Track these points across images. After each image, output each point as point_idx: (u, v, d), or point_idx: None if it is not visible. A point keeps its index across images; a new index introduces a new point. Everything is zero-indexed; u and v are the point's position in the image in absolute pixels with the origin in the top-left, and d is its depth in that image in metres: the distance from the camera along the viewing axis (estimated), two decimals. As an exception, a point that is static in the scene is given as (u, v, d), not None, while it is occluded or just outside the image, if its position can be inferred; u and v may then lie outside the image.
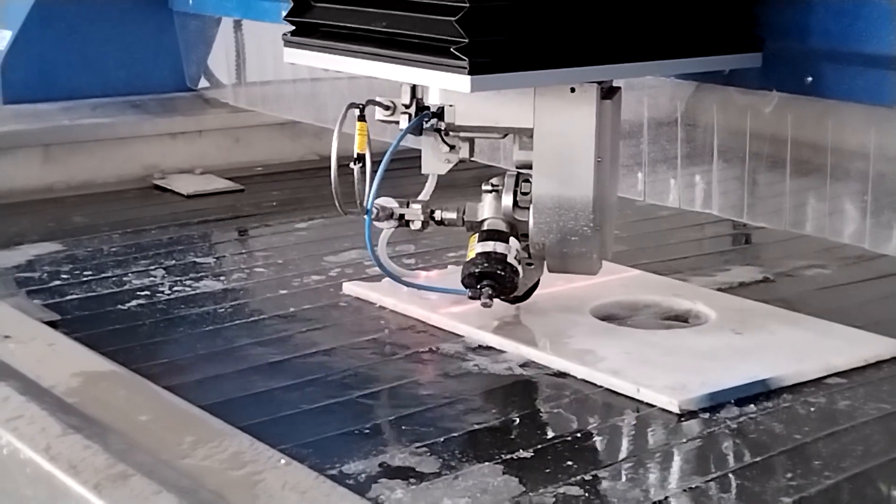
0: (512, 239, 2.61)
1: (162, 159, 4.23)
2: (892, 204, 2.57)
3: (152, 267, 3.26)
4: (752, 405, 2.36)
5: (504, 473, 2.06)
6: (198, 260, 3.33)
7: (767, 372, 2.50)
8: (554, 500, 1.98)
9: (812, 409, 2.35)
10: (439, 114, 2.59)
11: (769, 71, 2.63)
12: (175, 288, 3.07)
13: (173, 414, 1.93)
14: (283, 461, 1.70)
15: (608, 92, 2.62)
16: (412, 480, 2.04)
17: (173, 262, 3.30)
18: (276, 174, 4.28)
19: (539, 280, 2.82)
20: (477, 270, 2.58)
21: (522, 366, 2.58)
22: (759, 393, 2.41)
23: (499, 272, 2.56)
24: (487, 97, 2.55)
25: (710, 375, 2.49)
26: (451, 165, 2.67)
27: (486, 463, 2.11)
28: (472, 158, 2.69)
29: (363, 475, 2.05)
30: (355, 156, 2.52)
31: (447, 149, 2.64)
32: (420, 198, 2.71)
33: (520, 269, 2.60)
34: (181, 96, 4.44)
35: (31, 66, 4.24)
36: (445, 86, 2.36)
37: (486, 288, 2.56)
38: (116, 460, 1.62)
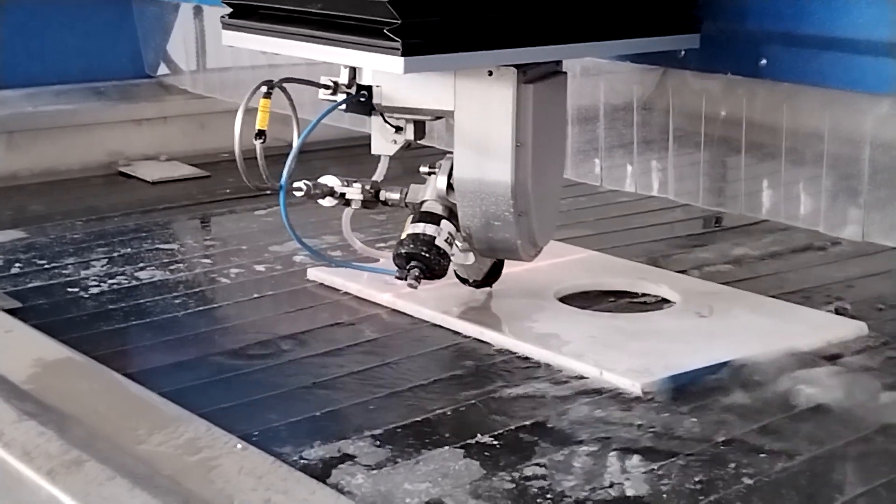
0: (444, 222, 2.59)
1: (127, 146, 4.20)
2: (847, 188, 2.57)
3: (114, 254, 3.23)
4: (714, 388, 2.36)
5: (465, 458, 2.05)
6: (161, 247, 3.31)
7: (731, 354, 2.50)
8: (513, 483, 1.97)
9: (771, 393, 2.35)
10: (361, 97, 2.56)
11: (723, 54, 2.62)
12: (136, 275, 3.05)
13: (129, 400, 1.91)
14: (239, 446, 1.69)
15: (544, 75, 2.58)
16: (372, 465, 2.03)
17: (135, 249, 3.27)
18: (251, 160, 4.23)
19: (502, 265, 2.82)
20: (403, 251, 2.57)
21: (488, 351, 2.57)
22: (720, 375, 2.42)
23: (423, 254, 2.54)
24: (411, 79, 2.53)
25: (674, 358, 2.49)
26: (398, 147, 2.65)
27: (447, 447, 2.10)
28: (419, 141, 2.66)
29: (323, 461, 2.04)
30: (256, 131, 2.51)
31: (393, 130, 2.62)
32: (374, 178, 2.69)
33: (450, 251, 2.58)
34: (141, 83, 4.40)
35: (-12, 54, 4.20)
36: (379, 67, 2.35)
37: (414, 269, 2.55)
38: (70, 447, 1.60)
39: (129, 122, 4.20)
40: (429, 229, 2.56)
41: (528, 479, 1.99)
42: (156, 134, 4.23)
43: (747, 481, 1.99)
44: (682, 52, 2.68)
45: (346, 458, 2.06)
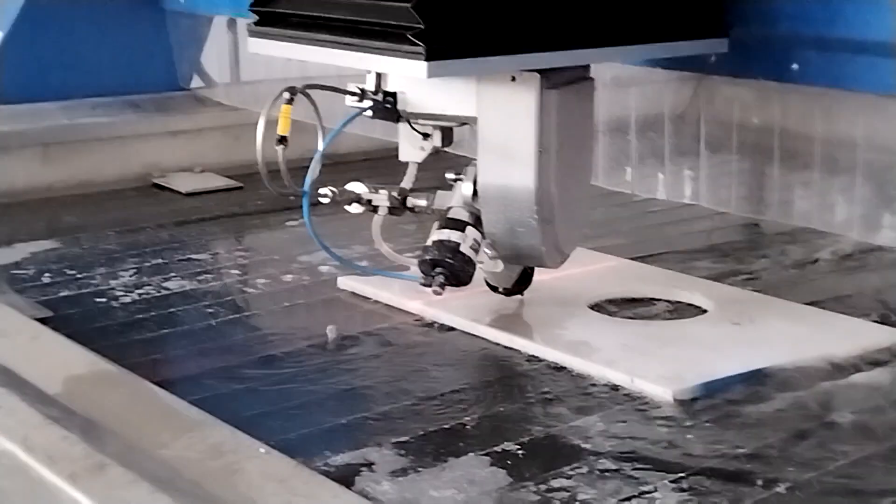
0: (470, 228, 2.56)
1: (162, 158, 4.21)
2: (882, 195, 2.53)
3: (145, 264, 3.24)
4: (747, 395, 2.33)
5: (491, 465, 2.03)
6: (192, 257, 3.31)
7: (765, 361, 2.46)
8: (538, 495, 1.95)
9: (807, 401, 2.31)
10: (387, 103, 2.54)
11: (754, 59, 2.59)
12: (165, 285, 3.05)
13: (154, 406, 1.91)
14: (262, 450, 1.68)
15: (570, 81, 2.55)
16: (398, 472, 2.01)
17: (166, 259, 3.28)
18: (276, 171, 4.23)
19: (531, 272, 2.80)
20: (428, 258, 2.55)
21: (518, 359, 2.55)
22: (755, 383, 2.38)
23: (448, 260, 2.52)
24: (435, 85, 2.52)
25: (706, 365, 2.46)
26: (426, 153, 2.63)
27: (473, 455, 2.08)
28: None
29: (349, 467, 2.03)
30: (278, 138, 2.50)
31: (420, 136, 2.61)
32: (402, 185, 2.68)
33: (475, 258, 2.56)
34: (175, 95, 4.42)
35: (23, 67, 4.21)
36: (403, 72, 2.34)
37: (439, 276, 2.53)
38: (93, 451, 1.60)
39: (164, 133, 4.22)
40: (454, 236, 2.54)
41: (553, 490, 1.96)
42: (190, 146, 4.24)
43: (779, 489, 1.95)
44: (713, 58, 2.66)
45: (372, 464, 2.04)
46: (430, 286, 2.54)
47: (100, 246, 3.42)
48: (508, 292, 2.82)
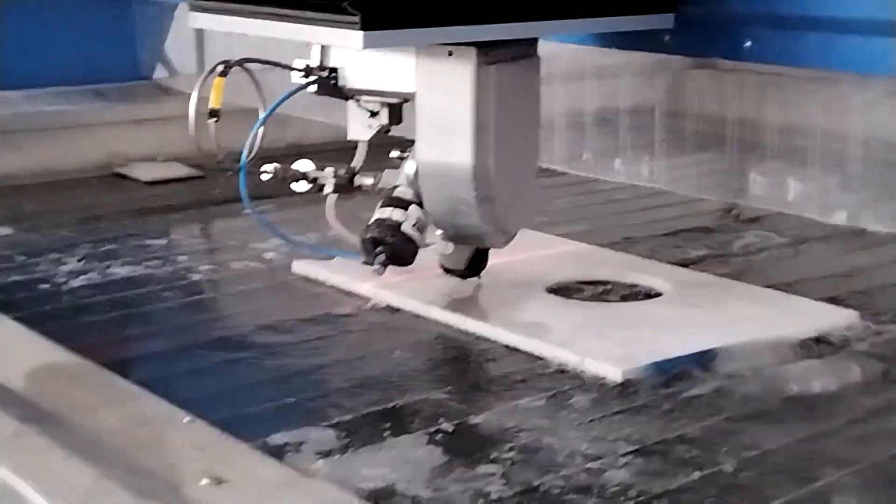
0: (413, 207, 2.53)
1: (125, 147, 4.17)
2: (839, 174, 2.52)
3: (98, 250, 3.20)
4: (698, 375, 2.31)
5: (428, 445, 2.00)
6: (147, 243, 3.28)
7: (719, 342, 2.44)
8: (472, 472, 1.91)
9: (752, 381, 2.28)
10: (331, 79, 2.51)
11: (707, 37, 2.56)
12: (118, 270, 3.01)
13: (81, 377, 1.88)
14: (186, 419, 1.65)
15: (513, 58, 2.51)
16: (335, 451, 1.98)
17: (120, 245, 3.24)
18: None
19: (486, 254, 2.77)
20: (369, 236, 2.52)
21: (471, 341, 2.52)
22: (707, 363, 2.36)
23: (388, 239, 2.49)
24: (374, 60, 2.49)
25: (659, 346, 2.43)
26: (374, 131, 2.59)
27: (413, 434, 2.05)
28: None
29: (287, 444, 1.99)
30: (210, 110, 2.47)
31: (368, 114, 2.58)
32: (352, 165, 2.65)
33: (418, 237, 2.52)
34: (138, 84, 4.38)
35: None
36: (339, 43, 2.31)
37: (380, 255, 2.50)
38: (10, 419, 1.56)
39: (127, 122, 4.18)
40: (395, 214, 2.51)
41: (487, 473, 1.92)
42: (154, 135, 4.20)
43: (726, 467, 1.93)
44: (667, 37, 2.63)
45: (310, 443, 2.01)
46: (371, 265, 2.51)
47: (56, 233, 3.38)
48: (464, 275, 2.78)
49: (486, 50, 2.43)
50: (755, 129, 2.72)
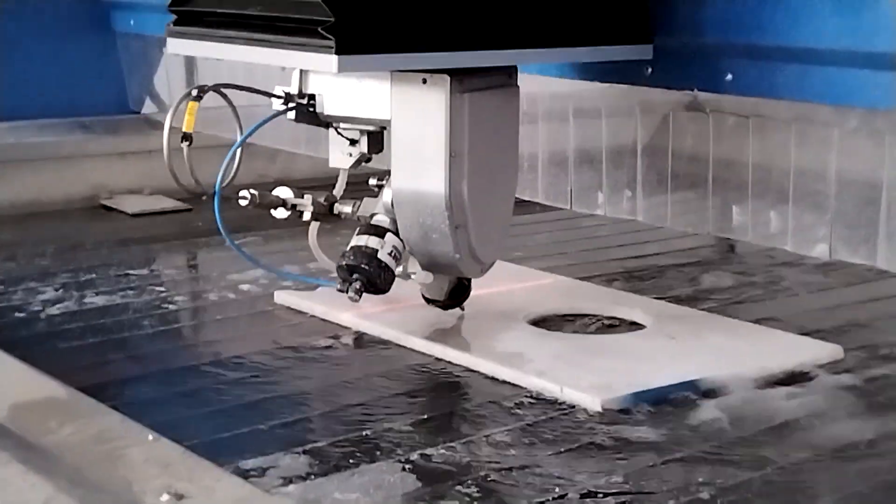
0: (389, 235, 2.51)
1: (110, 179, 4.16)
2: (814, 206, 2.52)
3: (79, 279, 3.18)
4: (676, 406, 2.29)
5: (402, 471, 1.98)
6: (130, 273, 3.25)
7: (698, 373, 2.42)
8: (444, 499, 1.89)
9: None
10: (309, 106, 2.51)
11: (689, 70, 2.56)
12: (95, 299, 2.99)
13: (47, 396, 1.85)
14: (150, 437, 1.62)
15: (489, 86, 2.50)
16: (307, 476, 1.96)
17: (100, 276, 3.21)
18: (227, 197, 4.20)
19: (468, 284, 2.75)
20: (344, 263, 2.50)
21: (450, 370, 2.50)
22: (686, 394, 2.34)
23: (363, 266, 2.48)
24: (350, 86, 2.48)
25: (638, 376, 2.41)
26: (353, 160, 2.58)
27: (387, 461, 2.02)
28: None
29: (258, 469, 1.97)
30: (182, 135, 2.46)
31: (347, 142, 2.57)
32: (334, 192, 2.64)
33: (394, 266, 2.51)
34: (125, 118, 4.37)
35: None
36: (314, 67, 2.31)
37: (356, 282, 2.49)
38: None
39: (112, 155, 4.17)
40: (371, 241, 2.50)
41: (462, 494, 1.90)
42: (140, 168, 4.19)
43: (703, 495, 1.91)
44: (649, 70, 2.63)
45: (282, 468, 1.98)
46: (346, 292, 2.49)
47: (35, 262, 3.36)
48: (445, 305, 2.77)
49: (460, 78, 2.42)
50: (736, 167, 2.72)
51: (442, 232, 2.49)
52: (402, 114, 2.48)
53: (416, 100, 2.45)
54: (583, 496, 1.91)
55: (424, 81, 2.41)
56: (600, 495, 1.91)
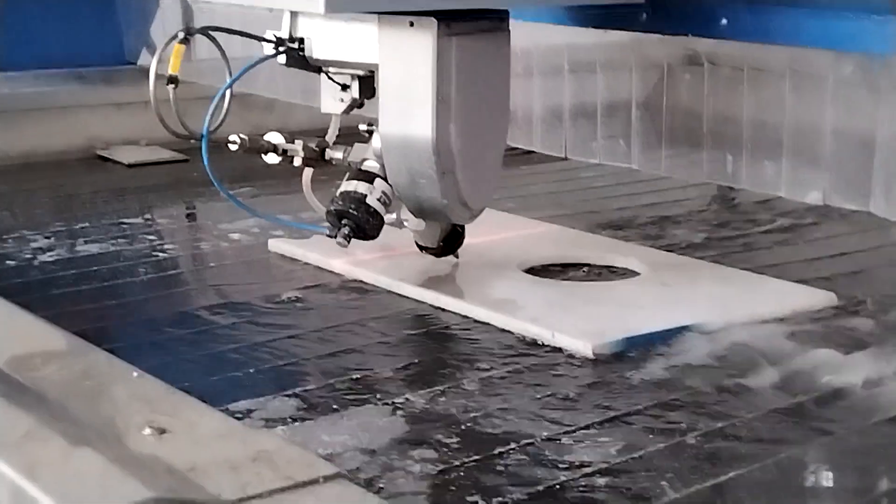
0: (378, 181, 2.51)
1: (107, 130, 4.15)
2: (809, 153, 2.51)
3: (72, 227, 3.18)
4: (670, 351, 2.28)
5: (391, 415, 1.98)
6: (125, 221, 3.26)
7: (690, 319, 2.41)
8: (434, 440, 1.89)
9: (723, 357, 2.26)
10: (299, 50, 2.49)
11: (684, 15, 2.54)
12: (91, 247, 2.99)
13: (33, 335, 1.85)
14: (135, 374, 1.62)
15: (477, 30, 2.47)
16: (296, 418, 1.96)
17: (95, 225, 3.21)
18: (219, 144, 4.19)
19: (461, 231, 2.74)
20: (333, 209, 2.50)
21: (442, 316, 2.49)
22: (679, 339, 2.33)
23: (351, 211, 2.47)
24: (338, 30, 2.46)
25: (630, 322, 2.41)
26: (346, 105, 2.56)
27: (375, 404, 2.03)
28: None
29: (246, 413, 1.97)
30: (168, 77, 2.45)
31: (338, 87, 2.55)
32: (326, 137, 2.63)
33: (383, 211, 2.50)
34: (122, 69, 4.35)
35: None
36: (302, 8, 2.29)
37: (344, 227, 2.48)
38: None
39: (109, 105, 4.16)
40: (360, 187, 2.49)
41: (444, 444, 1.89)
42: (137, 119, 4.16)
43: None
44: (644, 15, 2.61)
45: (271, 410, 1.99)
46: (335, 237, 2.49)
47: (29, 212, 3.36)
48: (438, 253, 2.76)
49: (448, 21, 2.40)
50: (733, 119, 2.71)
51: (429, 177, 2.48)
52: (390, 58, 2.46)
53: (403, 43, 2.43)
54: (572, 439, 1.91)
55: (411, 24, 2.40)
56: (588, 439, 1.91)
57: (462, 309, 2.53)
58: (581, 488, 1.74)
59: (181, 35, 2.44)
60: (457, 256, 2.78)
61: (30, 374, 1.56)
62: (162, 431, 1.40)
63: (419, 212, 2.57)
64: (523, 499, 1.70)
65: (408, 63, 2.44)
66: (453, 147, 2.48)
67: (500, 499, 1.69)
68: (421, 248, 2.77)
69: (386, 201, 2.50)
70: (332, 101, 2.57)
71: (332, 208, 2.49)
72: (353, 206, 2.47)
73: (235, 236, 3.09)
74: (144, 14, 4.32)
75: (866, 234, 3.02)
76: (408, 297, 2.62)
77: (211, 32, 2.53)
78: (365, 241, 2.59)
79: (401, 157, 2.49)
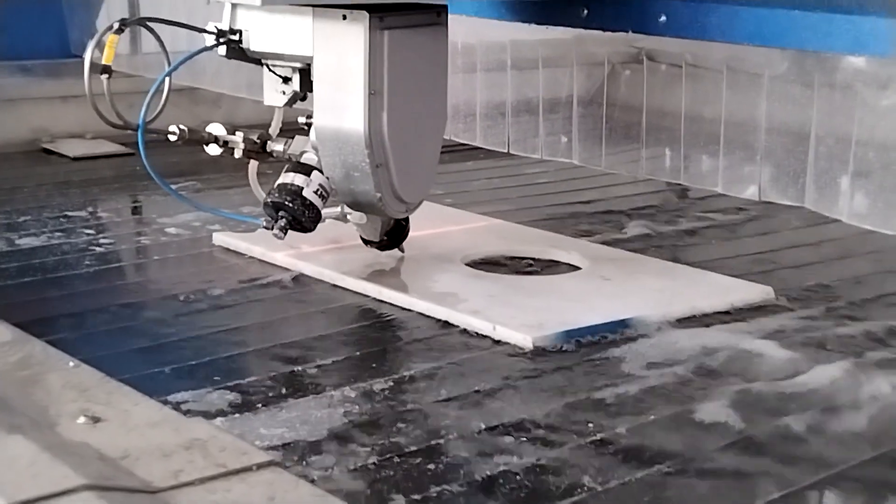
0: (316, 173, 2.52)
1: (52, 123, 4.13)
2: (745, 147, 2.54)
3: (11, 220, 3.17)
4: (607, 343, 2.32)
5: (329, 407, 1.99)
6: (69, 214, 3.24)
7: (629, 312, 2.45)
8: (376, 432, 1.91)
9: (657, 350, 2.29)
10: (238, 41, 2.51)
11: (624, 12, 2.57)
12: (29, 240, 2.98)
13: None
14: (72, 364, 1.63)
15: (414, 24, 2.49)
16: (234, 410, 1.97)
17: (35, 218, 3.20)
18: (163, 141, 4.17)
19: (406, 227, 2.76)
20: (269, 200, 2.51)
21: (384, 309, 2.51)
22: (618, 332, 2.37)
23: (287, 203, 2.49)
24: (274, 23, 2.48)
25: (570, 315, 2.44)
26: (287, 98, 2.57)
27: (314, 397, 2.04)
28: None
29: (184, 403, 1.98)
30: (101, 67, 2.45)
31: (279, 80, 2.57)
32: (269, 131, 2.64)
33: (319, 203, 2.51)
34: (68, 62, 4.32)
35: None
36: None
37: (281, 220, 2.50)
38: None
39: (54, 98, 4.13)
40: (297, 179, 2.50)
41: (394, 426, 1.92)
42: (82, 112, 4.12)
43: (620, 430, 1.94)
44: (585, 12, 2.64)
45: (209, 402, 2.00)
46: (271, 229, 2.50)
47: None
48: (382, 246, 2.78)
49: (381, 15, 2.42)
50: (669, 116, 2.75)
51: (363, 170, 2.49)
52: (324, 50, 2.47)
53: (336, 36, 2.45)
54: (509, 429, 1.93)
55: (344, 17, 2.41)
56: (524, 430, 1.93)
57: (405, 302, 2.54)
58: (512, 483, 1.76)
59: (116, 26, 2.43)
60: (402, 250, 2.80)
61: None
62: (96, 420, 1.41)
63: (355, 205, 2.59)
64: (461, 491, 1.72)
65: (340, 56, 2.45)
66: (386, 140, 2.49)
67: (438, 488, 1.71)
68: (365, 241, 2.78)
69: (323, 194, 2.52)
70: (274, 93, 2.58)
71: (268, 200, 2.50)
72: (289, 198, 2.48)
73: (180, 230, 3.09)
74: (89, 6, 4.30)
75: (802, 230, 3.08)
76: (351, 291, 2.63)
77: (150, 24, 2.53)
78: (309, 234, 2.61)
79: (335, 149, 2.50)
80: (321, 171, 2.52)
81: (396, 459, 1.81)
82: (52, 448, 1.28)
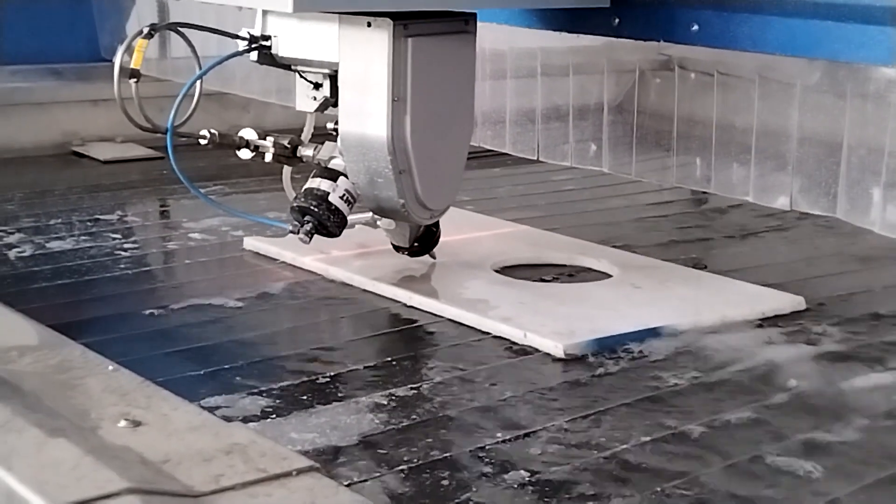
0: (342, 178, 2.53)
1: (82, 127, 4.15)
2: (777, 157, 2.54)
3: (42, 223, 3.19)
4: (641, 352, 2.32)
5: (359, 413, 2.00)
6: (101, 218, 3.27)
7: (660, 321, 2.45)
8: (401, 439, 1.91)
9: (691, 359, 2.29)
10: (269, 47, 2.52)
11: (656, 21, 2.57)
12: (64, 243, 3.00)
13: (10, 329, 1.86)
14: (111, 367, 1.64)
15: (438, 32, 2.49)
16: (265, 415, 1.98)
17: (69, 221, 3.22)
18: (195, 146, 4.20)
19: (436, 233, 2.77)
20: (296, 205, 2.53)
21: (414, 315, 2.52)
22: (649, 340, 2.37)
23: (313, 208, 2.50)
24: (302, 29, 2.49)
25: (601, 323, 2.44)
26: (318, 103, 2.58)
27: (345, 402, 2.05)
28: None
29: (217, 409, 1.99)
30: (129, 71, 2.47)
31: (311, 86, 2.58)
32: (301, 136, 2.65)
33: (346, 209, 2.52)
34: (99, 66, 4.35)
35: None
36: (269, 6, 2.32)
37: (307, 224, 2.51)
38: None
39: (85, 102, 4.15)
40: (324, 184, 2.52)
41: (414, 439, 1.92)
42: (113, 116, 4.14)
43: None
44: (616, 20, 2.64)
45: (241, 408, 2.01)
46: (297, 233, 2.51)
47: (2, 207, 3.35)
48: (412, 253, 2.78)
49: (406, 22, 2.43)
50: (700, 124, 2.75)
51: (386, 177, 2.50)
52: (349, 57, 2.49)
53: (361, 43, 2.46)
54: (541, 437, 1.93)
55: (369, 25, 2.42)
56: (559, 438, 1.93)
57: (435, 308, 2.55)
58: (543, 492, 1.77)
59: (145, 30, 2.45)
60: (433, 257, 2.80)
61: (5, 366, 1.57)
62: (137, 424, 1.42)
63: (379, 211, 2.60)
64: (491, 499, 1.72)
65: (365, 63, 2.47)
66: (409, 146, 2.50)
67: (467, 494, 1.72)
68: (396, 248, 2.79)
69: (349, 199, 2.53)
70: (305, 99, 2.60)
71: (295, 205, 2.52)
72: (315, 202, 2.50)
73: (210, 234, 3.10)
74: (119, 11, 4.33)
75: (833, 240, 3.07)
76: (381, 296, 2.64)
77: (180, 29, 2.54)
78: (338, 239, 2.62)
79: (359, 155, 2.52)
80: (347, 177, 2.53)
81: (426, 466, 1.81)
82: (94, 451, 1.29)
